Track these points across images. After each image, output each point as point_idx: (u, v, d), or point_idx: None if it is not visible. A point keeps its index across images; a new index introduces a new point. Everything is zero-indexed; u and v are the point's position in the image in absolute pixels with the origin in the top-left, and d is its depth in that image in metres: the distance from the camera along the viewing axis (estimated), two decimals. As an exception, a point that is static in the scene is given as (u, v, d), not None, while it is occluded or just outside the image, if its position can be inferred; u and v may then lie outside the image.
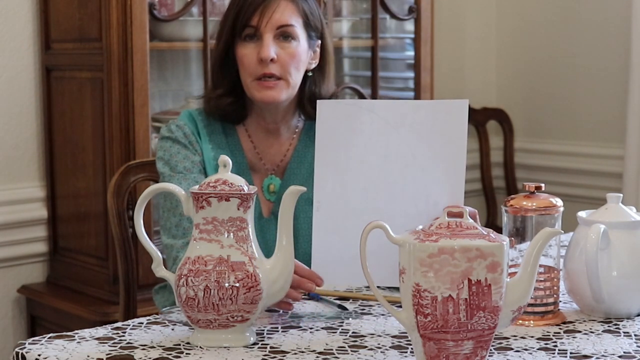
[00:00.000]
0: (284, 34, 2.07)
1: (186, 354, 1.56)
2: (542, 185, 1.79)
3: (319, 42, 2.16)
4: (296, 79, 2.09)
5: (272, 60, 2.04)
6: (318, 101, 1.77)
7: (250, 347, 1.60)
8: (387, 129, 1.75)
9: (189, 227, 1.99)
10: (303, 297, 1.82)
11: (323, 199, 1.75)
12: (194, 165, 2.10)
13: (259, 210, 2.13)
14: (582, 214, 1.82)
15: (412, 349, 1.55)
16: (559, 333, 1.68)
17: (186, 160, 2.10)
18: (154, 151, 2.90)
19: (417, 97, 3.61)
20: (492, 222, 4.23)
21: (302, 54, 2.09)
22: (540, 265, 1.71)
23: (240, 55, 2.09)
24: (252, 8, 2.06)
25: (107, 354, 1.55)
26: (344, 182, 1.75)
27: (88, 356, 1.54)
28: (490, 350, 1.53)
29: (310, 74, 2.15)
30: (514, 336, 1.65)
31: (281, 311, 1.78)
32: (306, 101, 2.15)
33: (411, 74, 3.65)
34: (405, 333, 1.62)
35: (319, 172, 1.74)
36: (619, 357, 1.55)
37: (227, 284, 1.57)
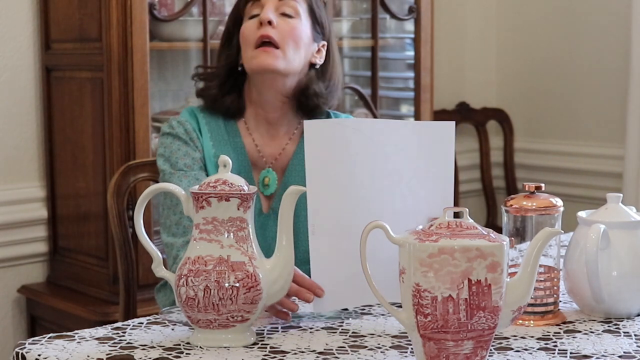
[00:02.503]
0: (286, 12, 2.09)
1: (186, 354, 1.56)
2: (542, 185, 1.79)
3: (324, 43, 2.17)
4: (294, 55, 2.09)
5: (270, 24, 2.06)
6: (305, 122, 1.75)
7: (250, 347, 1.60)
8: (374, 148, 1.74)
9: (189, 225, 1.99)
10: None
11: (317, 223, 1.74)
12: (195, 162, 2.10)
13: (258, 207, 2.13)
14: (582, 214, 1.82)
15: (412, 349, 1.55)
16: (559, 333, 1.68)
17: (187, 157, 2.10)
18: (154, 151, 2.91)
19: (417, 97, 3.61)
20: (492, 222, 4.23)
21: (302, 34, 2.10)
22: (540, 265, 1.71)
23: (242, 30, 2.11)
24: None
25: (107, 354, 1.55)
26: (336, 204, 1.74)
27: (88, 356, 1.54)
28: (490, 350, 1.53)
29: (316, 67, 2.16)
30: (514, 336, 1.65)
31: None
32: (308, 98, 2.14)
33: (411, 74, 3.65)
34: (405, 333, 1.62)
35: (312, 196, 1.73)
36: (619, 357, 1.55)
37: (227, 284, 1.57)
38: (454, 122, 1.78)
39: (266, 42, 2.06)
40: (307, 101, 2.15)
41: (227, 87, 2.15)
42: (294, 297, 1.73)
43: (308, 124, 1.75)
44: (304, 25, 2.11)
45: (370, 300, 1.76)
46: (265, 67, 2.08)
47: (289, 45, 2.08)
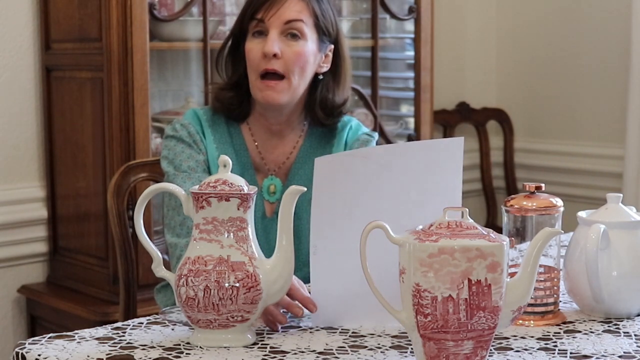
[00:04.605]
0: (292, 32, 2.06)
1: (186, 354, 1.56)
2: (542, 185, 1.79)
3: (332, 46, 2.15)
4: (300, 80, 2.07)
5: (275, 56, 2.04)
6: (316, 159, 1.71)
7: (250, 347, 1.60)
8: (381, 172, 1.72)
9: (192, 226, 1.99)
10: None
11: (319, 243, 1.73)
12: (198, 164, 2.10)
13: (262, 211, 2.13)
14: (582, 214, 1.82)
15: (412, 349, 1.55)
16: (559, 333, 1.68)
17: (190, 159, 2.10)
18: (154, 151, 2.91)
19: (417, 97, 3.61)
20: (492, 222, 4.23)
21: (309, 55, 2.08)
22: (540, 265, 1.71)
23: (247, 50, 2.09)
24: (261, 1, 2.06)
25: (107, 354, 1.55)
26: (340, 226, 1.72)
27: (88, 356, 1.54)
28: (490, 350, 1.53)
29: (320, 77, 2.14)
30: (514, 336, 1.65)
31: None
32: (317, 106, 2.13)
33: (411, 74, 3.65)
34: (405, 333, 1.61)
35: (315, 216, 1.72)
36: (619, 357, 1.55)
37: (227, 284, 1.57)
38: (462, 138, 1.77)
39: (271, 73, 2.05)
40: (321, 112, 2.13)
41: (241, 94, 2.14)
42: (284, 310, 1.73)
43: (318, 161, 1.71)
44: (310, 43, 2.08)
45: (369, 324, 1.73)
46: (270, 103, 2.07)
47: (295, 72, 2.06)
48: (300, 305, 1.73)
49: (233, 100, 2.13)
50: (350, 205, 1.72)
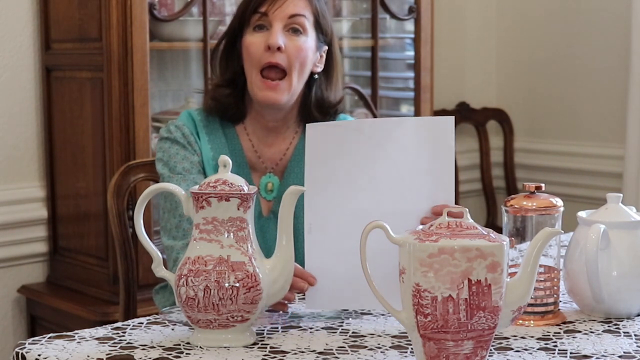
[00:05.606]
0: (294, 27, 2.07)
1: (186, 354, 1.56)
2: (542, 185, 1.79)
3: (326, 48, 2.16)
4: (299, 78, 2.08)
5: (279, 49, 2.04)
6: (307, 125, 1.75)
7: (250, 347, 1.60)
8: (374, 147, 1.74)
9: (189, 228, 1.99)
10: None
11: (314, 222, 1.74)
12: (193, 165, 2.10)
13: (258, 210, 2.13)
14: (582, 214, 1.82)
15: (412, 349, 1.55)
16: (559, 333, 1.68)
17: (185, 160, 2.10)
18: (154, 151, 2.91)
19: (417, 97, 3.61)
20: (492, 222, 4.23)
21: (309, 52, 2.09)
22: (540, 265, 1.71)
23: (247, 44, 2.08)
24: None
25: (107, 354, 1.55)
26: (334, 204, 1.73)
27: (88, 356, 1.54)
28: (490, 350, 1.53)
29: (315, 76, 2.15)
30: (514, 336, 1.65)
31: (280, 312, 1.77)
32: (313, 106, 2.14)
33: (411, 74, 3.65)
34: (405, 333, 1.62)
35: (309, 194, 1.73)
36: (619, 357, 1.55)
37: (227, 284, 1.57)
38: (452, 117, 1.78)
39: (273, 66, 2.05)
40: (317, 112, 2.14)
41: (236, 92, 2.14)
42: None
43: (310, 127, 1.74)
44: (310, 40, 2.09)
45: (366, 305, 1.75)
46: (270, 103, 2.07)
47: (296, 68, 2.06)
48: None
49: (230, 99, 2.13)
50: (344, 182, 1.73)
